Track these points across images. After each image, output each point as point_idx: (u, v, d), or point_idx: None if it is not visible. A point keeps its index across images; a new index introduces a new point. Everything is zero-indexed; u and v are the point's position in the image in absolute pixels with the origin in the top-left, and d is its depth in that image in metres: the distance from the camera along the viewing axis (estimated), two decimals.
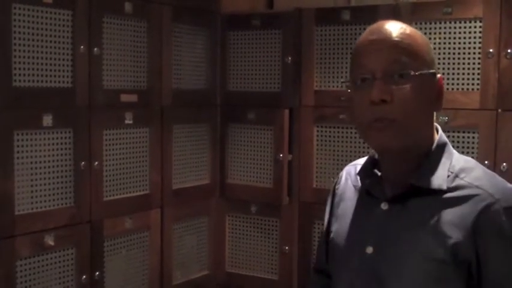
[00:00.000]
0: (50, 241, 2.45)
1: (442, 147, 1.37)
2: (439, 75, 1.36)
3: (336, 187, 1.57)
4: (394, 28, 1.34)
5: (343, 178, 1.56)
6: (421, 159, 1.35)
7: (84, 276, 2.58)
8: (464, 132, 2.70)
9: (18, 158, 2.35)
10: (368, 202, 1.41)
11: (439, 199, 1.31)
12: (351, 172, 1.54)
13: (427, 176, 1.32)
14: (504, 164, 2.62)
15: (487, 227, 1.26)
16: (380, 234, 1.35)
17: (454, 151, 1.40)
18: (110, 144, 2.70)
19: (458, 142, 2.72)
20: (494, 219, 1.26)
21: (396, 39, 1.31)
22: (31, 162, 2.39)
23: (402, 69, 1.30)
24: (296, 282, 3.13)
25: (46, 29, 2.43)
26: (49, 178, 2.46)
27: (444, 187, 1.31)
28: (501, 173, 2.62)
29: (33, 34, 2.38)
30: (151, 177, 2.90)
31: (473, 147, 2.69)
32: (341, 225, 1.47)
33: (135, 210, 2.82)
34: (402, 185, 1.35)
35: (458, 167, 1.34)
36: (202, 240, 3.25)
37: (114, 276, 2.74)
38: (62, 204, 2.51)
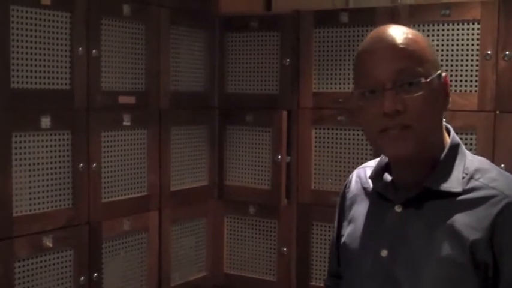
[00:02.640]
0: (48, 242, 2.45)
1: (455, 148, 1.37)
2: (444, 74, 1.35)
3: (346, 191, 1.56)
4: (397, 34, 1.32)
5: (353, 181, 1.55)
6: (435, 162, 1.34)
7: (82, 278, 2.58)
8: (462, 133, 2.71)
9: (16, 159, 2.35)
10: (381, 205, 1.40)
11: (455, 201, 1.29)
12: (360, 175, 1.53)
13: (441, 179, 1.31)
14: (502, 165, 2.62)
15: (505, 227, 1.25)
16: (395, 238, 1.34)
17: (467, 151, 1.40)
18: (108, 146, 2.70)
19: None
20: (511, 220, 1.25)
21: (401, 46, 1.30)
22: (29, 164, 2.40)
23: (412, 78, 1.29)
24: (294, 284, 3.13)
25: (44, 31, 2.43)
26: (47, 180, 2.46)
27: (460, 189, 1.30)
28: None
29: (31, 36, 2.38)
30: (149, 179, 2.90)
31: (471, 149, 2.69)
32: (354, 229, 1.46)
33: (133, 211, 2.82)
34: (416, 187, 1.33)
35: (472, 168, 1.33)
36: (201, 242, 3.25)
37: (112, 277, 2.74)
38: (60, 205, 2.51)
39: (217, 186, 3.29)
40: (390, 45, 1.30)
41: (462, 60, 2.72)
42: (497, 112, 2.65)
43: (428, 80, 1.29)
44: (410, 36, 1.33)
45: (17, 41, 2.33)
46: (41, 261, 2.45)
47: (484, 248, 1.25)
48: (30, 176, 2.40)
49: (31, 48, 2.38)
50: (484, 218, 1.26)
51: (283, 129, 3.07)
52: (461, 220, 1.27)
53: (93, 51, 2.60)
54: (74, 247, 2.56)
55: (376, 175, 1.44)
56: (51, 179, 2.48)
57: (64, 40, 2.50)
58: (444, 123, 1.41)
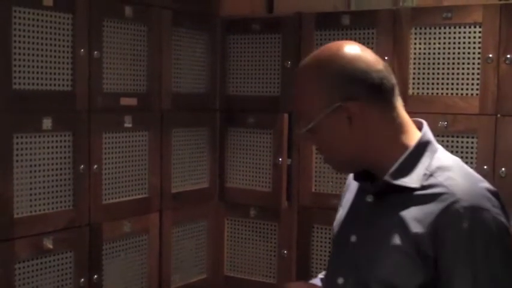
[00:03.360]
0: (48, 244, 2.45)
1: (423, 145, 1.40)
2: (348, 102, 1.36)
3: (347, 181, 1.63)
4: (295, 79, 1.45)
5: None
6: (400, 156, 1.40)
7: (82, 280, 2.58)
8: (463, 137, 2.71)
9: (17, 161, 2.34)
10: (360, 194, 1.48)
11: (412, 196, 1.35)
12: None
13: (402, 174, 1.37)
14: (503, 169, 2.62)
15: (445, 225, 1.30)
16: (363, 225, 1.42)
17: (440, 149, 1.43)
18: (109, 148, 2.70)
19: (457, 147, 2.72)
20: (453, 219, 1.29)
21: (295, 99, 1.45)
22: (30, 165, 2.39)
23: (301, 128, 1.42)
24: None
25: (46, 32, 2.43)
26: (48, 181, 2.46)
27: (417, 185, 1.35)
28: (500, 178, 2.62)
29: (33, 37, 2.38)
30: (150, 181, 2.90)
31: (472, 152, 2.69)
32: (340, 215, 1.56)
33: (134, 213, 2.82)
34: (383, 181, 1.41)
35: (435, 166, 1.38)
36: (201, 244, 3.25)
37: (113, 279, 2.74)
38: (61, 207, 2.51)
39: (218, 189, 3.29)
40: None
41: (464, 64, 2.71)
42: (499, 115, 2.65)
43: (308, 128, 1.39)
44: (296, 87, 1.44)
45: (19, 42, 2.33)
46: (41, 263, 2.45)
47: (427, 241, 1.30)
48: (31, 177, 2.40)
49: (33, 49, 2.38)
50: (430, 213, 1.31)
51: (284, 131, 3.06)
52: (412, 213, 1.33)
53: (95, 52, 2.60)
54: (75, 249, 2.56)
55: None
56: (52, 181, 2.48)
57: (66, 41, 2.50)
58: (418, 119, 1.46)
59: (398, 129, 1.41)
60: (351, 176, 1.57)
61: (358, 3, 3.20)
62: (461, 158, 2.68)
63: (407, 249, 1.32)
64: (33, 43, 2.38)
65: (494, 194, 1.35)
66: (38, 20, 2.39)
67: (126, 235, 2.80)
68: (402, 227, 1.33)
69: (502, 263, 1.31)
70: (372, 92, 1.37)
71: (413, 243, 1.31)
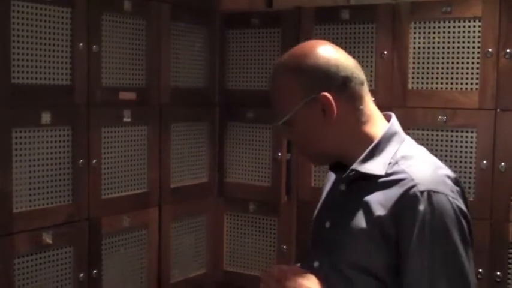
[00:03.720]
0: (47, 239, 2.45)
1: (389, 136, 1.51)
2: (322, 94, 1.47)
3: (327, 174, 1.75)
4: (272, 73, 1.56)
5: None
6: (368, 147, 1.50)
7: (81, 274, 2.58)
8: (462, 131, 2.70)
9: (16, 155, 2.34)
10: (336, 184, 1.59)
11: (377, 182, 1.46)
12: None
13: (368, 163, 1.48)
14: (502, 163, 2.62)
15: (404, 208, 1.40)
16: (336, 211, 1.53)
17: (407, 139, 1.54)
18: (108, 142, 2.70)
19: (456, 142, 2.72)
20: (411, 202, 1.39)
21: (269, 95, 1.54)
22: (29, 160, 2.39)
23: (277, 121, 1.51)
24: None
25: (45, 26, 2.42)
26: (47, 176, 2.46)
27: (382, 172, 1.46)
28: (499, 173, 2.62)
29: (32, 31, 2.37)
30: (149, 176, 2.89)
31: (471, 147, 2.69)
32: (318, 204, 1.69)
33: (133, 208, 2.82)
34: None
35: (400, 155, 1.48)
36: (200, 239, 3.25)
37: (112, 274, 2.74)
38: (60, 201, 2.51)
39: (217, 183, 3.29)
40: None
41: (463, 58, 2.71)
42: (498, 110, 2.65)
43: (281, 121, 1.50)
44: (273, 82, 1.55)
45: (18, 36, 2.33)
46: (40, 258, 2.45)
47: (389, 223, 1.41)
48: (30, 172, 2.40)
49: (32, 43, 2.38)
50: (391, 197, 1.42)
51: None
52: (376, 198, 1.44)
53: (94, 46, 2.59)
54: (74, 243, 2.56)
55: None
56: (51, 175, 2.47)
57: (65, 35, 2.49)
58: (388, 112, 1.58)
59: (367, 121, 1.52)
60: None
61: None
62: (461, 152, 2.71)
63: (372, 231, 1.42)
64: (31, 37, 2.37)
65: (454, 180, 1.46)
66: (36, 13, 2.39)
67: (126, 230, 2.80)
68: (367, 211, 1.44)
69: (456, 244, 1.39)
70: (343, 86, 1.48)
71: (377, 225, 1.42)
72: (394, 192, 1.42)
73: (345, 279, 1.45)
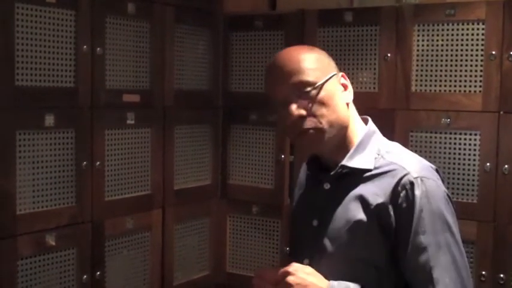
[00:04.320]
0: (51, 241, 2.46)
1: (370, 134, 1.61)
2: (340, 74, 1.61)
3: (298, 180, 1.83)
4: (288, 54, 1.58)
5: (302, 170, 1.81)
6: (351, 146, 1.59)
7: (85, 276, 2.58)
8: (466, 134, 2.70)
9: (20, 157, 2.35)
10: (315, 184, 1.65)
11: (363, 177, 1.55)
12: (304, 164, 1.79)
13: (356, 158, 1.57)
14: (506, 166, 2.62)
15: (400, 195, 1.49)
16: (323, 210, 1.59)
17: (384, 139, 1.64)
18: (111, 144, 2.70)
19: (460, 144, 2.72)
20: (408, 188, 1.49)
21: (287, 68, 1.54)
22: (33, 162, 2.39)
23: (304, 87, 1.53)
24: None
25: (49, 29, 2.43)
26: (51, 178, 2.46)
27: (371, 166, 1.56)
28: (503, 175, 2.62)
29: (36, 34, 2.38)
30: (152, 178, 2.90)
31: (475, 149, 2.69)
32: (297, 207, 1.75)
33: (136, 210, 2.82)
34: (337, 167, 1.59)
35: (384, 150, 1.59)
36: (203, 241, 3.25)
37: (115, 276, 2.75)
38: (63, 204, 2.51)
39: (220, 185, 3.29)
40: (281, 67, 1.56)
41: (467, 61, 2.71)
42: (502, 112, 2.65)
43: (316, 85, 1.53)
44: (295, 55, 1.57)
45: (22, 38, 2.33)
46: (44, 260, 2.45)
47: (386, 210, 1.49)
48: (33, 174, 2.40)
49: (36, 45, 2.38)
50: (386, 186, 1.51)
51: None
52: (368, 190, 1.53)
53: (98, 49, 2.60)
54: (77, 245, 2.56)
55: (311, 161, 1.69)
56: (55, 177, 2.48)
57: (68, 38, 2.50)
58: (365, 116, 1.66)
59: (354, 119, 1.62)
60: (301, 175, 1.79)
61: (361, 0, 3.20)
62: (464, 155, 2.71)
63: (371, 222, 1.50)
64: (35, 39, 2.38)
65: (436, 170, 1.57)
66: (40, 16, 2.39)
67: (129, 232, 2.80)
68: (363, 202, 1.52)
69: (450, 223, 1.50)
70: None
71: (374, 215, 1.50)
72: (388, 182, 1.51)
73: (341, 273, 1.51)
